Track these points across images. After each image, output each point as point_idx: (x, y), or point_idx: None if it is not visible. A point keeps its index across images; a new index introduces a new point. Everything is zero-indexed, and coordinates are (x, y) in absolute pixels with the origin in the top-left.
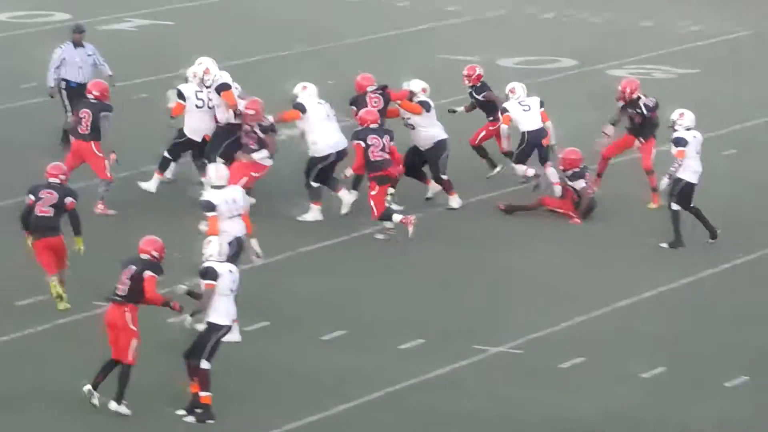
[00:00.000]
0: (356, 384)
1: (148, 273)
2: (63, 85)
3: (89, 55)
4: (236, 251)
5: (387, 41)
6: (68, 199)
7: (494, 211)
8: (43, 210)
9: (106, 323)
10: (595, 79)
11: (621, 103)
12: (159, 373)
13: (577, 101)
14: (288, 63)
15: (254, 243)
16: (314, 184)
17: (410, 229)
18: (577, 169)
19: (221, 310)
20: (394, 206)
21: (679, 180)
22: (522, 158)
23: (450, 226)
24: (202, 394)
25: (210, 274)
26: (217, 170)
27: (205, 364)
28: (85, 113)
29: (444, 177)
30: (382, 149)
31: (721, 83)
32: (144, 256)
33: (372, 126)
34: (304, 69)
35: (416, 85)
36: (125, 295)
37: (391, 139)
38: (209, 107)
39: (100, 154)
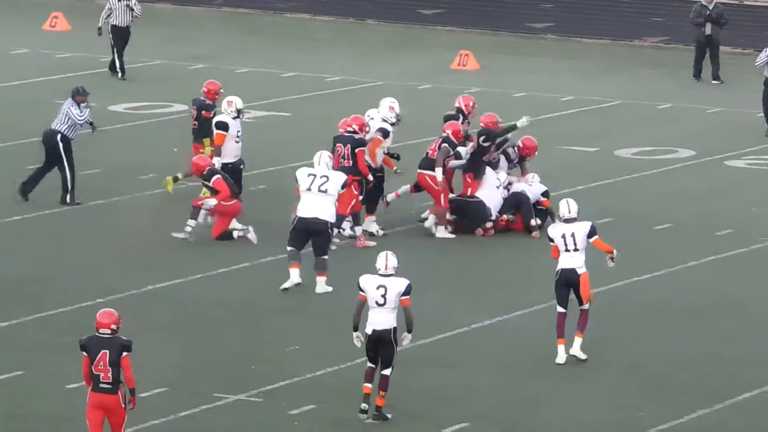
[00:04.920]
0: None
1: (125, 354)
2: (60, 137)
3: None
4: None
5: None
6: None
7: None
8: None
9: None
10: (713, 170)
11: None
12: None
13: (695, 191)
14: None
15: None
16: None
17: None
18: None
19: (368, 320)
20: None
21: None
22: None
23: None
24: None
25: (358, 285)
26: (569, 204)
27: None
28: (339, 147)
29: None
30: None
31: None
32: (105, 332)
33: None
34: None
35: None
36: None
37: None
38: None
39: None
